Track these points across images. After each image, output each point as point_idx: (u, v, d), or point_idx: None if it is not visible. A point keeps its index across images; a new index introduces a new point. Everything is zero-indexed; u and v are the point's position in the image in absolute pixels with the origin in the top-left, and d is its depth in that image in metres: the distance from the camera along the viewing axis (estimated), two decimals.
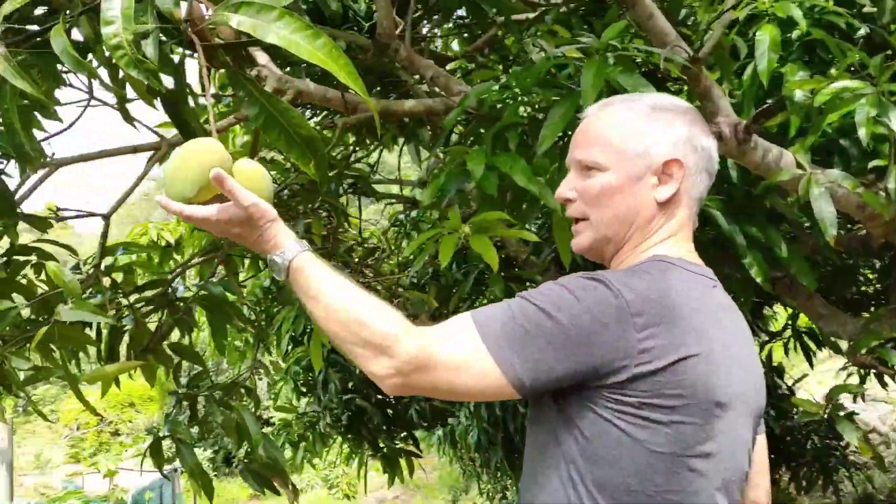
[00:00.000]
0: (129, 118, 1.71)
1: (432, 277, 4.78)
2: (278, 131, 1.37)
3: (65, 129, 2.27)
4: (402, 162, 4.28)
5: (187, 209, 1.27)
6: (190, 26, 1.37)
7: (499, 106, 2.43)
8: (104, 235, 2.14)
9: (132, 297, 2.59)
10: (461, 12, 3.54)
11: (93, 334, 2.46)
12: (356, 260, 4.73)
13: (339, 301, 1.21)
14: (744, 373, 1.21)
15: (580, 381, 1.12)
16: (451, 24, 4.14)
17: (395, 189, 4.94)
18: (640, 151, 1.27)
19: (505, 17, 3.29)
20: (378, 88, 3.44)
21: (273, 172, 3.48)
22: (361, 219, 4.04)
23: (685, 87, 2.95)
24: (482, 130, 2.42)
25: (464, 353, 1.13)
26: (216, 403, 2.53)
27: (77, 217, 2.17)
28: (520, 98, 2.31)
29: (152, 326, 2.58)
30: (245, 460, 2.62)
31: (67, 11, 1.45)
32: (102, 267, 2.53)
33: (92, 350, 2.40)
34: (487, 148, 2.33)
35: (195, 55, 1.42)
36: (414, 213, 4.88)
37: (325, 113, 3.54)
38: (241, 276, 3.47)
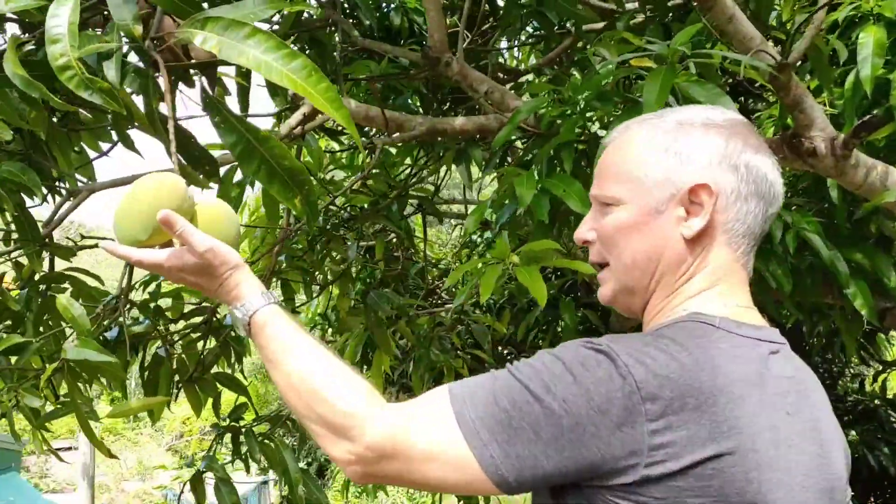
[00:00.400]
0: (128, 143, 1.58)
1: (507, 300, 4.57)
2: (258, 163, 1.20)
3: (101, 156, 2.20)
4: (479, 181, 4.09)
5: (136, 254, 1.12)
6: (159, 44, 1.22)
7: (558, 122, 2.21)
8: (130, 268, 2.05)
9: (178, 324, 2.49)
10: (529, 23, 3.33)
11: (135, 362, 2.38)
12: (428, 283, 4.57)
13: (299, 368, 1.03)
14: (809, 468, 0.93)
15: (577, 480, 0.89)
16: (523, 38, 3.95)
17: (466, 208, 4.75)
18: (659, 178, 1.02)
19: (576, 27, 3.07)
20: (446, 106, 3.28)
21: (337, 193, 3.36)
22: (426, 240, 3.86)
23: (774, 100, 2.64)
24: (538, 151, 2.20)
25: (437, 441, 0.92)
26: (254, 438, 2.39)
27: (92, 247, 2.09)
28: (580, 113, 2.08)
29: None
30: (284, 498, 2.48)
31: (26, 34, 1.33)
32: (146, 293, 2.44)
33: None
34: (542, 169, 2.11)
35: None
36: (487, 235, 4.70)
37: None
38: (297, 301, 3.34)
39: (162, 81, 1.17)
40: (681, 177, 1.01)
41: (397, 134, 2.17)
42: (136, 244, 1.13)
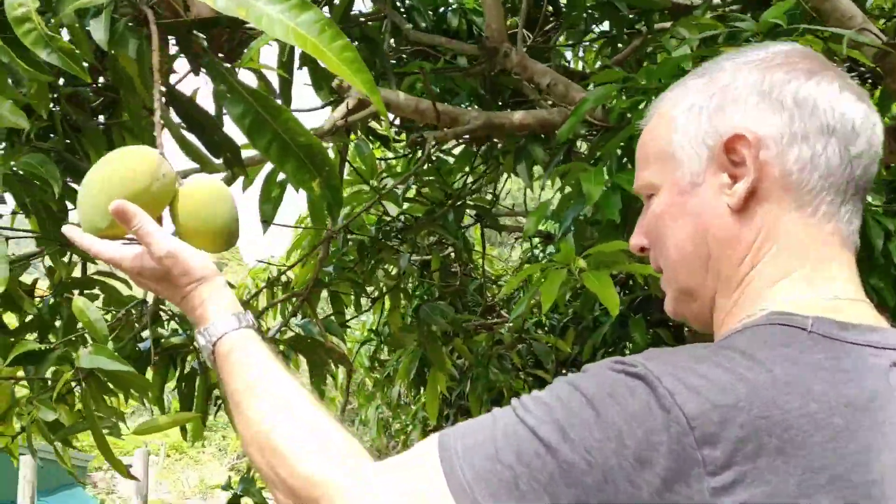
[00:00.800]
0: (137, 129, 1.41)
1: (571, 319, 4.31)
2: (269, 138, 1.01)
3: None
4: (540, 189, 3.86)
5: (96, 246, 0.93)
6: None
7: (629, 115, 1.98)
8: None
9: None
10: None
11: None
12: (487, 300, 4.35)
13: (263, 416, 0.81)
14: None
15: None
16: (591, 37, 3.73)
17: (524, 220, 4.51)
18: (689, 144, 0.79)
19: (647, 22, 2.84)
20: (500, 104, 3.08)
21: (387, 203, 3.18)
22: (485, 254, 3.65)
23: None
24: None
25: None
26: None
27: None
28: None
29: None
30: None
31: None
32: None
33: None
34: (612, 164, 1.88)
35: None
36: (550, 249, 4.45)
37: None
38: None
39: (154, 39, 1.00)
40: (712, 134, 0.77)
41: (450, 129, 1.99)
42: (98, 233, 0.94)
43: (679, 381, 0.63)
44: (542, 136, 2.13)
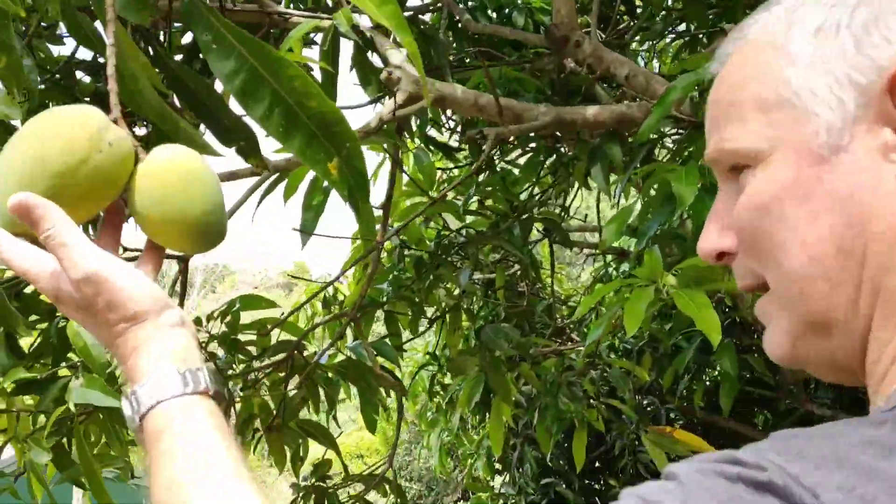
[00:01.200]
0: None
1: (647, 343, 3.98)
2: (268, 102, 0.75)
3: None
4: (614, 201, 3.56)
5: (7, 248, 0.67)
6: None
7: None
8: (182, 284, 1.70)
9: (258, 362, 2.13)
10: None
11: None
12: (556, 321, 4.06)
13: None
14: None
15: None
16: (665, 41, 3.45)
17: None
18: (817, 81, 0.51)
19: (732, 19, 2.55)
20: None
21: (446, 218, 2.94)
22: (554, 272, 3.37)
23: None
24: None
25: None
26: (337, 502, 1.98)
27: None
28: None
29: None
30: None
31: None
32: (223, 324, 2.09)
33: None
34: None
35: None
36: (625, 267, 4.13)
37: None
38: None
39: None
40: (865, 67, 0.49)
41: (514, 126, 1.74)
42: (10, 228, 0.68)
43: (850, 493, 0.37)
44: (621, 134, 1.86)
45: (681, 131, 1.87)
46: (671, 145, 2.16)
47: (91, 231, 1.31)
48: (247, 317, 2.07)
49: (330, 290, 3.00)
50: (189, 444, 0.61)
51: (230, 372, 2.09)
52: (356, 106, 2.02)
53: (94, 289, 0.64)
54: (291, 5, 1.99)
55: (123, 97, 0.75)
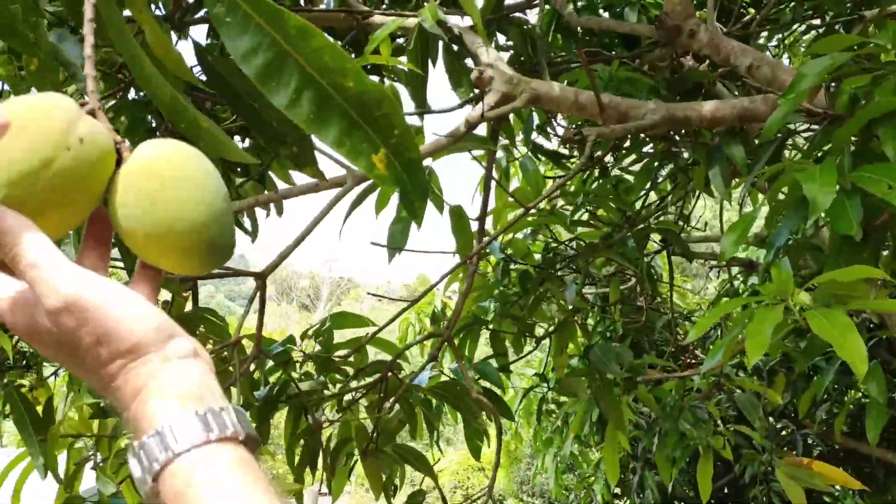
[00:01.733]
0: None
1: (780, 361, 3.64)
2: (296, 84, 0.63)
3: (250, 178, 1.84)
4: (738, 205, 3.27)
5: None
6: None
7: (862, 102, 1.47)
8: (262, 301, 1.62)
9: (354, 382, 2.05)
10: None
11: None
12: (678, 338, 3.79)
13: None
14: None
15: None
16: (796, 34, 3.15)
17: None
18: None
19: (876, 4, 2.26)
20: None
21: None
22: (673, 285, 3.13)
23: None
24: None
25: None
26: None
27: (223, 276, 1.67)
28: None
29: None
30: None
31: None
32: (317, 342, 2.02)
33: None
34: (846, 160, 1.38)
35: None
36: (753, 280, 3.81)
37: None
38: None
39: None
40: None
41: (618, 125, 1.57)
42: None
43: None
44: (743, 132, 1.65)
45: (814, 127, 1.64)
46: (802, 143, 1.93)
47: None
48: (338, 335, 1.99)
49: (439, 305, 2.90)
50: (221, 495, 0.50)
51: (326, 392, 2.01)
52: (448, 109, 1.90)
53: (77, 319, 0.53)
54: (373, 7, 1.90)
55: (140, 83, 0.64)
